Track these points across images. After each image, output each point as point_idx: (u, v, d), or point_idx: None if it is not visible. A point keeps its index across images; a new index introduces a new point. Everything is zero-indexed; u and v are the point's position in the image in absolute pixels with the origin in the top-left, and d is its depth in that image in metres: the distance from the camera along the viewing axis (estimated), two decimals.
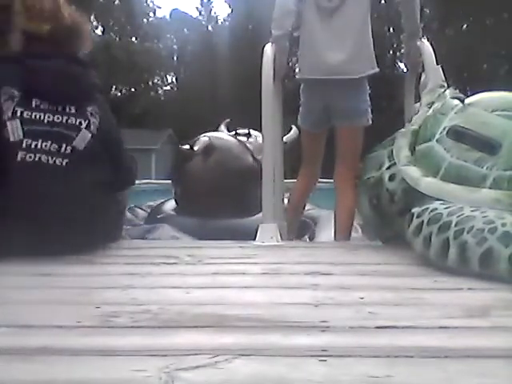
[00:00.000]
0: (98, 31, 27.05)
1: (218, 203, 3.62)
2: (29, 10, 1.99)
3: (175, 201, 4.11)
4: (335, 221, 2.81)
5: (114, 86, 26.81)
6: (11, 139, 1.85)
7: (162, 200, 4.38)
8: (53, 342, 0.99)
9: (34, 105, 1.91)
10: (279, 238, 2.29)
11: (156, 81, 31.14)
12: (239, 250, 2.10)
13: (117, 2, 28.70)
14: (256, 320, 1.12)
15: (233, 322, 1.11)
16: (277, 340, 0.99)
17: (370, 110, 2.79)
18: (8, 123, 1.86)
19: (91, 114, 1.98)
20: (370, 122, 2.79)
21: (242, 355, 0.90)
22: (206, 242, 2.33)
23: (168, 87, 31.74)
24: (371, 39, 2.75)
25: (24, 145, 1.85)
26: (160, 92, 31.14)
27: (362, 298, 1.30)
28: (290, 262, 1.81)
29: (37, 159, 1.85)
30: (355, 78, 2.68)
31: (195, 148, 3.85)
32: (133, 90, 27.93)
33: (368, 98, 2.79)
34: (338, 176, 2.81)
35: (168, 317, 1.15)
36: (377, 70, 2.74)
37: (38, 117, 1.90)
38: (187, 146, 3.92)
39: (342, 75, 2.68)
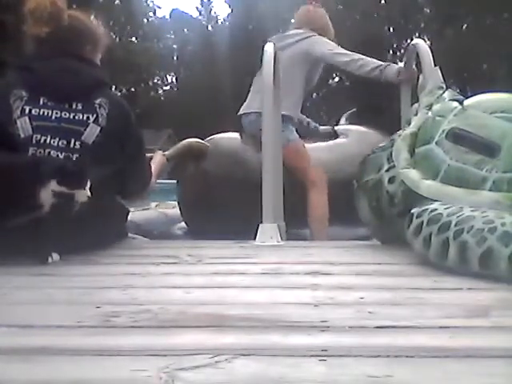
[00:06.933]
0: None
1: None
2: (32, 14, 2.04)
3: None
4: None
5: (114, 86, 26.77)
6: (21, 135, 1.91)
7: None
8: (53, 341, 0.99)
9: (41, 102, 1.96)
10: (279, 238, 2.29)
11: (156, 81, 31.16)
12: (239, 250, 2.10)
13: (117, 2, 28.67)
14: (256, 320, 1.12)
15: (233, 322, 1.11)
16: (277, 340, 0.99)
17: None
18: (18, 121, 1.92)
19: (99, 106, 2.00)
20: None
21: (242, 355, 0.90)
22: (206, 241, 2.33)
23: (168, 87, 31.76)
24: None
25: (34, 140, 1.91)
26: (160, 92, 31.15)
27: (362, 298, 1.30)
28: (289, 262, 1.81)
29: (47, 154, 1.90)
30: None
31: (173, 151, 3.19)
32: (133, 90, 27.91)
33: None
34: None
35: (168, 317, 1.15)
36: None
37: (45, 113, 1.94)
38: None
39: None
